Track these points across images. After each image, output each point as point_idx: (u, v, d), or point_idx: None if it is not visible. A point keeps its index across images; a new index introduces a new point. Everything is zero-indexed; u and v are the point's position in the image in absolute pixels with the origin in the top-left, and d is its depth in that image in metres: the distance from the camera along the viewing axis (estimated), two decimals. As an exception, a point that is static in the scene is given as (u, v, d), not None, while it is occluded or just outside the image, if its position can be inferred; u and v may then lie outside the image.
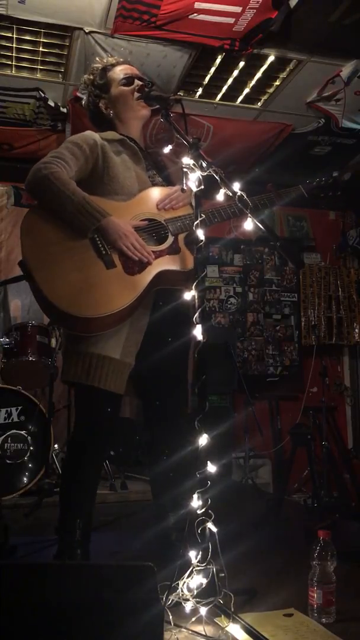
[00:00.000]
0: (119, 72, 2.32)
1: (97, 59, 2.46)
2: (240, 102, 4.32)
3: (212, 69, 3.92)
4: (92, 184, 2.17)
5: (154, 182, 2.30)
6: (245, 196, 1.85)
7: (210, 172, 1.85)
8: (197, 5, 3.20)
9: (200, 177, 1.87)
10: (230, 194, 1.85)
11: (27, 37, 3.58)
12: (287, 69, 3.93)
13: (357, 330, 5.78)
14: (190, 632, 1.63)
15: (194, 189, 1.89)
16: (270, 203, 2.23)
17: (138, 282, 2.04)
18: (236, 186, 1.87)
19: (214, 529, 1.70)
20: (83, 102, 2.42)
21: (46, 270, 1.98)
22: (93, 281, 1.99)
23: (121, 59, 2.41)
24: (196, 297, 1.82)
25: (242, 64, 3.85)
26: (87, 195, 2.05)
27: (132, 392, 2.21)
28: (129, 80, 2.30)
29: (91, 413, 2.13)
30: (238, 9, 3.25)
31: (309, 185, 2.31)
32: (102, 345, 2.02)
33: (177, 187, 2.20)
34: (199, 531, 1.70)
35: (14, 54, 3.73)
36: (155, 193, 2.22)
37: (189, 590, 1.70)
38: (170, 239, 2.15)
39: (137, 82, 2.30)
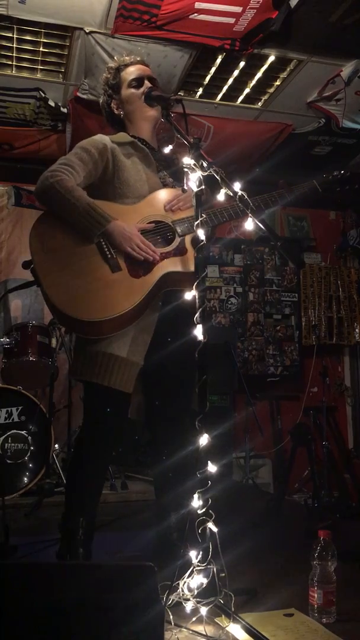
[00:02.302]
0: (130, 72, 2.32)
1: (116, 57, 2.46)
2: (241, 102, 4.32)
3: (213, 69, 3.92)
4: (103, 187, 2.19)
5: (165, 183, 2.29)
6: (245, 196, 1.85)
7: (210, 172, 1.85)
8: (198, 5, 3.20)
9: (201, 177, 1.87)
10: (231, 194, 1.85)
11: (28, 37, 3.58)
12: (288, 69, 3.93)
13: (357, 330, 5.78)
14: (190, 632, 1.64)
15: (195, 189, 1.89)
16: (281, 199, 2.21)
17: (143, 284, 2.05)
18: (237, 186, 1.86)
19: (215, 529, 1.70)
20: (100, 101, 2.42)
21: (53, 276, 2.01)
22: (99, 285, 2.01)
23: (138, 58, 2.39)
24: (197, 297, 1.83)
25: (242, 64, 3.85)
26: (92, 201, 2.07)
27: (138, 390, 2.22)
28: (138, 82, 2.29)
29: (97, 411, 2.14)
30: (238, 9, 3.25)
31: (323, 179, 2.29)
32: (109, 344, 2.04)
33: (186, 188, 2.20)
34: (199, 531, 1.71)
35: (14, 54, 3.73)
36: (163, 195, 2.23)
37: (190, 590, 1.70)
38: (177, 241, 2.16)
39: (146, 83, 2.29)
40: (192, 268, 2.09)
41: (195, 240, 1.88)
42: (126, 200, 2.17)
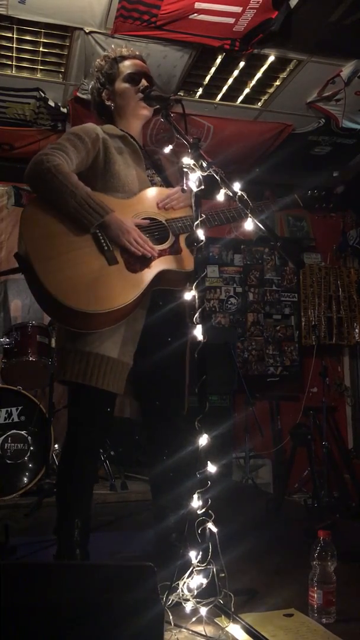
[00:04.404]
0: (127, 66, 2.28)
1: (113, 45, 2.43)
2: (241, 102, 4.32)
3: (212, 69, 3.92)
4: (91, 178, 2.13)
5: (152, 181, 2.27)
6: (245, 196, 1.85)
7: (210, 172, 1.85)
8: (198, 5, 3.20)
9: (201, 177, 1.87)
10: (231, 194, 1.85)
11: (28, 37, 3.58)
12: (287, 69, 3.93)
13: (357, 330, 5.78)
14: (190, 632, 1.63)
15: (194, 189, 1.89)
16: (267, 210, 2.20)
17: (140, 280, 2.02)
18: (236, 186, 1.86)
19: (214, 529, 1.70)
20: (90, 86, 2.37)
21: (47, 263, 1.93)
22: (95, 276, 1.96)
23: (137, 52, 2.35)
24: (196, 297, 1.82)
25: (242, 64, 3.85)
26: (90, 191, 2.01)
27: (130, 393, 2.20)
28: (133, 78, 2.25)
29: (87, 412, 2.10)
30: (238, 9, 3.25)
31: (304, 196, 2.28)
32: (100, 345, 2.00)
33: (178, 187, 2.19)
34: (199, 531, 1.70)
35: (14, 54, 3.73)
36: (156, 193, 2.20)
37: (189, 590, 1.70)
38: (172, 239, 2.14)
39: (143, 81, 2.25)
40: (186, 268, 2.08)
41: (190, 240, 1.87)
42: (117, 194, 2.13)
